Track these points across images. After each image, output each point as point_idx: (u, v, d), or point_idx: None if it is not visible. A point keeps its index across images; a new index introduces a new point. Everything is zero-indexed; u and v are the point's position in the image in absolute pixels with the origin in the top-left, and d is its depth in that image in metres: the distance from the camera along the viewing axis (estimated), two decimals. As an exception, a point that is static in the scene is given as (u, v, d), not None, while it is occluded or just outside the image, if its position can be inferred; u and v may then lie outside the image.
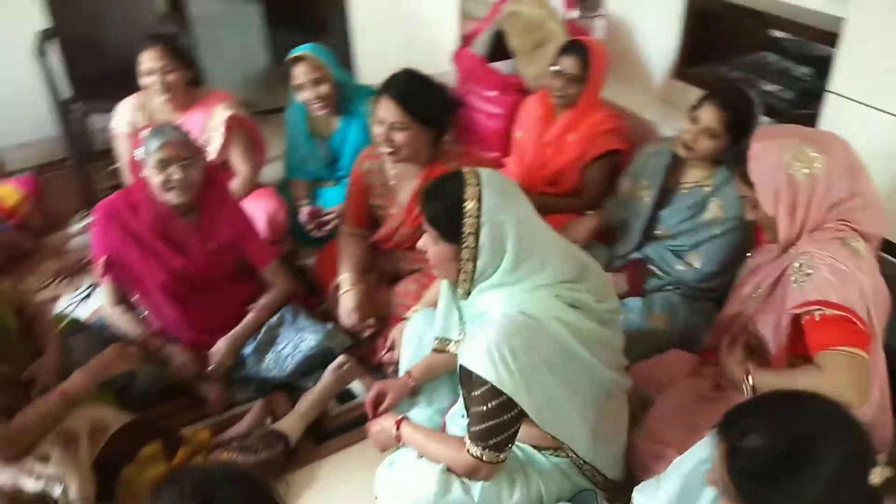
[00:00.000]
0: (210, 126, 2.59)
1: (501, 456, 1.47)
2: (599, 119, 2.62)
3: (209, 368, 2.02)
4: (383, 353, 2.10)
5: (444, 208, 1.48)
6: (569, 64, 2.55)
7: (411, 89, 2.06)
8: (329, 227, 2.63)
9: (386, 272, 2.40)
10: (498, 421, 1.43)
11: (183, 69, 2.51)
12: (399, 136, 2.07)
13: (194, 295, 2.09)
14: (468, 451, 1.48)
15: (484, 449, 1.46)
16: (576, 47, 2.57)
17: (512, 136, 2.87)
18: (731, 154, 1.95)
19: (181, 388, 2.04)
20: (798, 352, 1.55)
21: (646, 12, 3.08)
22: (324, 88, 2.58)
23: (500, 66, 3.22)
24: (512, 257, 1.47)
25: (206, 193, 2.08)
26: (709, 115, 2.03)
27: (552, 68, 2.60)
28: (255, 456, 1.74)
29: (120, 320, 2.05)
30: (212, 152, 2.60)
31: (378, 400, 1.81)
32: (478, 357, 1.43)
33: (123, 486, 1.64)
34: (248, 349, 2.08)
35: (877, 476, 1.00)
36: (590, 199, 2.59)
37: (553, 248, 1.54)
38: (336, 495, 1.81)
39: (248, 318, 2.12)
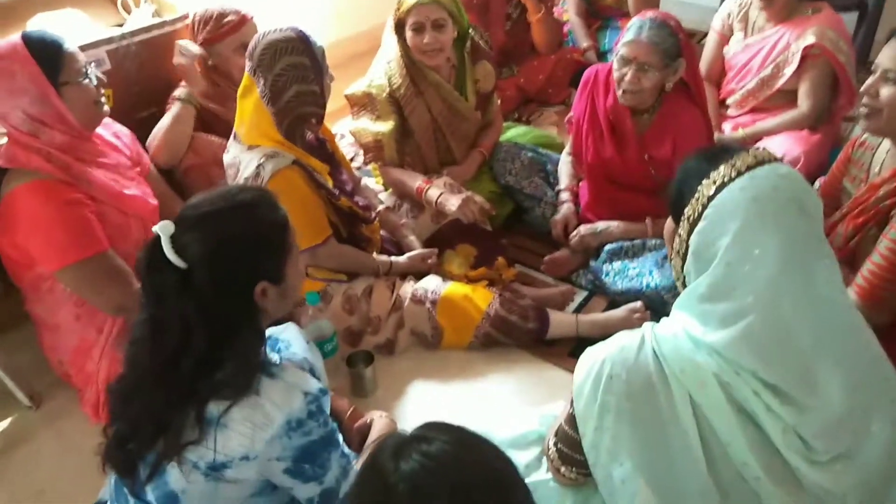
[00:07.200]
0: (793, 47, 2.39)
1: (563, 469, 1.32)
2: None
3: (572, 236, 2.27)
4: None
5: (684, 175, 1.19)
6: None
7: None
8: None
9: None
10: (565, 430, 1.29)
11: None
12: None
13: (608, 185, 2.28)
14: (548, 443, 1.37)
15: (556, 446, 1.34)
16: None
17: None
18: None
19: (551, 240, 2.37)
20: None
21: None
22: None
23: None
24: (706, 283, 1.12)
25: (672, 106, 2.12)
26: None
27: None
28: (508, 313, 2.03)
29: (563, 167, 2.44)
30: (786, 74, 2.44)
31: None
32: (588, 358, 1.24)
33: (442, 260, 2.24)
34: (613, 245, 2.20)
35: None
36: None
37: (792, 334, 1.08)
38: (511, 397, 1.94)
39: (638, 225, 2.21)
